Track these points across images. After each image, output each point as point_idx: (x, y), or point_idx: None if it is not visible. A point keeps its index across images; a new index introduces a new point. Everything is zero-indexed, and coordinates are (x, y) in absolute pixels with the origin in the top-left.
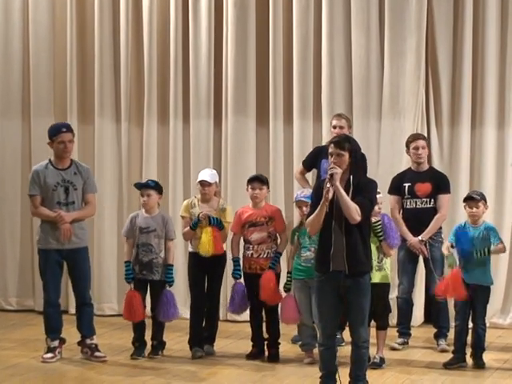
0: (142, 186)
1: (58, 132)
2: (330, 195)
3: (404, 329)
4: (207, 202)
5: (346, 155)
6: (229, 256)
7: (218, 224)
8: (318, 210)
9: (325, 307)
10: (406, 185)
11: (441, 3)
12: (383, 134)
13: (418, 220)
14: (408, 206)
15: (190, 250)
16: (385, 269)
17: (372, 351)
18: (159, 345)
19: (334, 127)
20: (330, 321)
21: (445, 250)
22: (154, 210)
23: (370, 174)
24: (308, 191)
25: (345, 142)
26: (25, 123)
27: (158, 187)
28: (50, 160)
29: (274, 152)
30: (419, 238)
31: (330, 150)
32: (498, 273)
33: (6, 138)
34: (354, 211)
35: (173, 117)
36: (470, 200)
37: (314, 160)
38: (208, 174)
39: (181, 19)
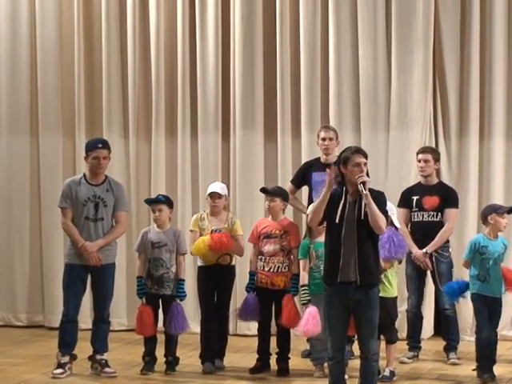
0: (153, 202)
1: (93, 148)
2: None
3: (414, 342)
4: (216, 215)
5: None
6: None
7: None
8: (320, 197)
9: (334, 320)
10: (415, 198)
11: (447, 14)
12: (391, 147)
13: (424, 233)
14: (415, 219)
15: (199, 264)
16: (384, 282)
17: (382, 365)
18: (174, 360)
19: (324, 139)
20: (339, 334)
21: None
22: (165, 225)
23: (378, 187)
24: None
25: (364, 151)
26: (33, 139)
27: (168, 202)
28: (84, 174)
29: (283, 166)
30: (424, 250)
31: (358, 160)
32: None
33: (15, 153)
34: (382, 221)
35: (181, 131)
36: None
37: (303, 176)
38: (218, 187)
39: (188, 34)
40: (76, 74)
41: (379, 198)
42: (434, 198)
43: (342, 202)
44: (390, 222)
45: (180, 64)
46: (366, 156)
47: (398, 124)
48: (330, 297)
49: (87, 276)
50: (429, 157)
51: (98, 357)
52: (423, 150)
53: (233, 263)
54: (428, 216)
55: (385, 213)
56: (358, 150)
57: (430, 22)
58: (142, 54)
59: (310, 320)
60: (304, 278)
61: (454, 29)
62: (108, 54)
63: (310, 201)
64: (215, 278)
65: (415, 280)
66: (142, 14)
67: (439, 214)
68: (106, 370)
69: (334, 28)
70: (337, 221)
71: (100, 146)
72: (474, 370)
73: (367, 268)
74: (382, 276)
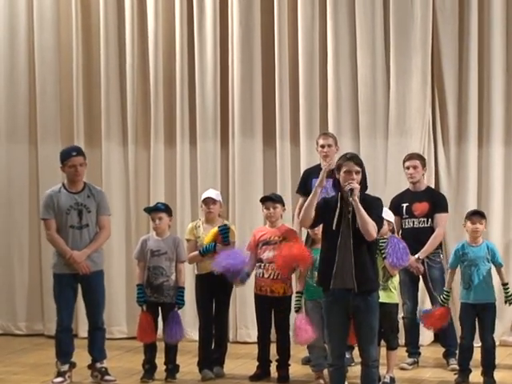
0: (153, 210)
1: (68, 156)
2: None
3: (413, 348)
4: (211, 222)
5: (361, 172)
6: None
7: (224, 236)
8: (309, 198)
9: (334, 327)
10: (404, 205)
11: (446, 21)
12: (390, 153)
13: (415, 240)
14: (406, 226)
15: (197, 272)
16: (390, 289)
17: (382, 371)
18: (174, 368)
19: (322, 146)
20: (339, 340)
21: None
22: (165, 233)
23: (377, 193)
24: None
25: (359, 158)
26: (32, 147)
27: (167, 210)
28: (63, 184)
29: (282, 172)
30: (416, 256)
31: (348, 168)
32: None
33: (13, 162)
34: (372, 227)
35: (179, 139)
36: (475, 215)
37: (305, 184)
38: (213, 193)
39: (186, 40)
40: (74, 82)
41: (375, 204)
42: (423, 204)
43: (337, 209)
44: (392, 230)
45: (178, 71)
46: (359, 164)
47: (397, 131)
48: (328, 303)
49: (77, 284)
50: (417, 163)
51: (98, 365)
52: (410, 157)
53: None
54: (418, 222)
55: (380, 219)
56: (351, 158)
57: (428, 28)
58: (141, 61)
59: (297, 330)
60: (300, 284)
61: (453, 35)
62: (106, 62)
63: None
64: (213, 285)
65: (409, 286)
66: (140, 22)
67: (429, 219)
68: (107, 377)
69: (333, 35)
70: (334, 228)
71: (74, 153)
72: (455, 373)
73: (364, 275)
74: (389, 282)
